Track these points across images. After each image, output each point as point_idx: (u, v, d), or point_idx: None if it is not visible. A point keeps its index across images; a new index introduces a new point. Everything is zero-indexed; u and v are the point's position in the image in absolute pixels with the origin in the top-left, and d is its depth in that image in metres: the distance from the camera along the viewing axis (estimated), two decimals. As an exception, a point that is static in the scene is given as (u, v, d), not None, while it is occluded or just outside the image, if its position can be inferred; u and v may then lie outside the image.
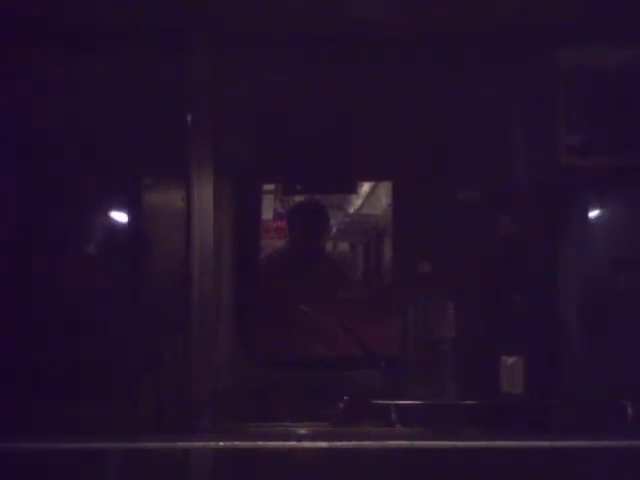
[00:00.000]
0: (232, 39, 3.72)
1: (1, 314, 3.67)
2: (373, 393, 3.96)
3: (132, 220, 4.02)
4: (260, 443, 3.32)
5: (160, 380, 3.81)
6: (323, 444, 3.34)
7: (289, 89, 4.06)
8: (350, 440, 3.38)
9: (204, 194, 3.74)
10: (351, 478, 3.34)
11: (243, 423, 3.76)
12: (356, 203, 6.84)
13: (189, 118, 3.74)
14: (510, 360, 3.83)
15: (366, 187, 6.34)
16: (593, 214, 3.96)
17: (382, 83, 4.04)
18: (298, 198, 5.34)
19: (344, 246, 6.83)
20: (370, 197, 6.41)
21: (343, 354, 4.35)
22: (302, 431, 3.68)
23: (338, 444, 3.33)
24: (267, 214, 5.77)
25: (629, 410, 3.60)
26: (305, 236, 4.83)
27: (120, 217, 4.06)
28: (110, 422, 3.63)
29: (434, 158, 4.23)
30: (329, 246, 5.41)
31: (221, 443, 3.38)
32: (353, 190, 5.85)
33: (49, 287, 3.87)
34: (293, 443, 3.35)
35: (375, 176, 5.37)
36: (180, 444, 3.40)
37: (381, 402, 3.78)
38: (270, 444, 3.31)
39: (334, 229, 5.73)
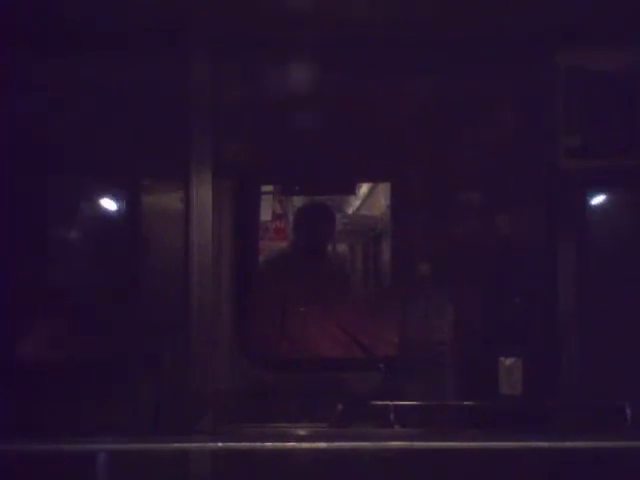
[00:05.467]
0: (232, 40, 3.72)
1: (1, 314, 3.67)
2: (372, 394, 3.95)
3: (131, 221, 4.02)
4: (259, 444, 3.32)
5: (160, 380, 3.81)
6: (322, 445, 3.33)
7: (288, 90, 4.05)
8: (349, 441, 3.38)
9: (203, 195, 3.74)
10: (350, 479, 3.34)
11: (242, 424, 3.76)
12: (355, 204, 6.84)
13: (189, 118, 3.74)
14: (509, 361, 3.83)
15: (365, 188, 6.35)
16: (593, 214, 3.97)
17: (382, 84, 4.05)
18: (297, 199, 5.35)
19: (343, 247, 6.83)
20: (369, 198, 6.41)
21: (342, 355, 4.35)
22: (301, 432, 3.68)
23: (337, 445, 3.33)
24: (265, 215, 5.76)
25: (628, 410, 3.61)
26: (311, 237, 4.83)
27: (120, 218, 4.05)
28: (110, 422, 3.62)
29: (433, 159, 4.23)
30: (328, 247, 5.41)
31: (220, 444, 3.38)
32: (352, 191, 5.84)
33: (49, 287, 3.87)
34: (292, 444, 3.34)
35: (374, 177, 5.37)
36: (180, 445, 3.40)
37: (380, 403, 3.78)
38: (269, 445, 3.31)
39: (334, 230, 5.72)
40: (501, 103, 4.00)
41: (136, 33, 3.62)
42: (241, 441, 3.37)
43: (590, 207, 3.97)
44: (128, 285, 3.90)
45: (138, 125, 3.85)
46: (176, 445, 3.38)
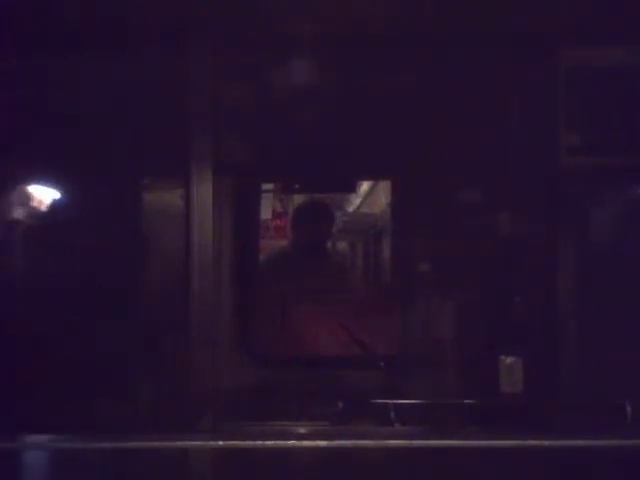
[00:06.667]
0: (232, 38, 3.72)
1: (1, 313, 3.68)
2: (372, 392, 3.96)
3: (131, 219, 4.02)
4: (259, 442, 3.32)
5: (160, 380, 3.81)
6: (322, 443, 3.33)
7: (288, 88, 4.06)
8: (349, 439, 3.38)
9: (204, 193, 3.74)
10: (350, 477, 3.33)
11: (243, 422, 3.77)
12: (355, 202, 6.83)
13: (189, 116, 3.74)
14: (509, 360, 3.84)
15: (365, 186, 6.33)
16: (593, 214, 3.96)
17: (382, 82, 4.04)
18: (297, 197, 5.35)
19: (343, 245, 6.82)
20: (369, 196, 6.40)
21: (343, 353, 4.35)
22: (301, 430, 3.68)
23: (337, 443, 3.33)
24: (265, 213, 5.75)
25: (629, 409, 3.61)
26: (308, 235, 4.83)
27: (119, 216, 4.05)
28: (110, 422, 3.63)
29: (433, 157, 4.23)
30: (328, 245, 5.40)
31: (220, 442, 3.38)
32: (352, 189, 5.84)
33: (48, 286, 3.86)
34: (292, 442, 3.35)
35: (374, 175, 5.37)
36: (179, 444, 3.40)
37: (380, 401, 3.78)
38: (269, 443, 3.31)
39: (333, 228, 5.71)
40: (502, 102, 4.00)
41: (136, 33, 3.62)
42: (241, 439, 3.37)
43: (591, 206, 3.96)
44: (127, 284, 3.89)
45: (138, 124, 3.85)
46: (176, 443, 3.38)
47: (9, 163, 3.81)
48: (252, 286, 4.43)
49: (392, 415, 3.72)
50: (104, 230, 4.02)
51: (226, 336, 4.05)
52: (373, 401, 3.82)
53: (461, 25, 3.69)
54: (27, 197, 3.96)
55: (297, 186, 5.11)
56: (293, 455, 3.34)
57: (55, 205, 3.96)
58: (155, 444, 3.32)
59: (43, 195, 3.98)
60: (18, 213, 3.90)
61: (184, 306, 3.66)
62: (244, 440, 3.37)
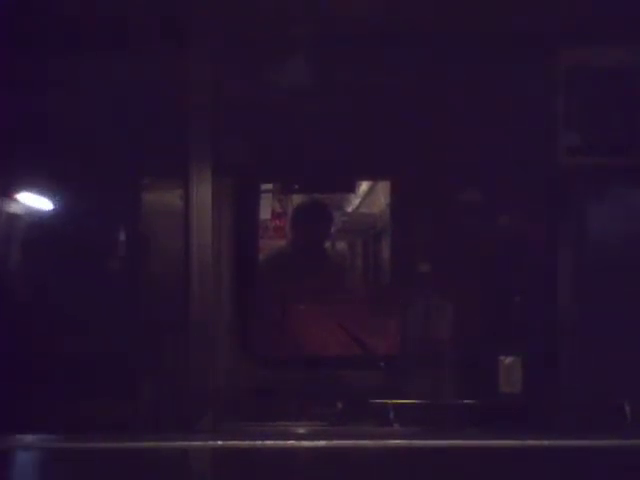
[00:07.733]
0: (232, 38, 3.72)
1: (1, 313, 3.67)
2: (372, 392, 3.96)
3: (131, 219, 4.02)
4: (259, 442, 3.32)
5: (160, 380, 3.81)
6: (322, 443, 3.33)
7: (288, 88, 4.05)
8: (348, 439, 3.38)
9: (203, 194, 3.74)
10: (349, 477, 3.33)
11: (242, 423, 3.77)
12: (354, 202, 6.83)
13: (189, 116, 3.74)
14: (508, 360, 3.84)
15: (364, 186, 6.34)
16: (593, 214, 3.97)
17: (381, 82, 4.05)
18: (296, 197, 5.35)
19: (342, 245, 6.83)
20: (368, 196, 6.41)
21: (342, 353, 4.35)
22: (301, 430, 3.68)
23: (337, 443, 3.33)
24: (265, 213, 5.76)
25: (628, 409, 3.61)
26: (308, 236, 4.84)
27: (119, 216, 4.06)
28: (110, 421, 3.63)
29: (433, 157, 4.23)
30: (327, 245, 5.41)
31: (220, 442, 3.38)
32: (351, 189, 5.85)
33: (48, 286, 3.86)
34: (292, 442, 3.35)
35: (373, 175, 5.37)
36: (180, 443, 3.40)
37: (379, 401, 3.78)
38: (269, 443, 3.31)
39: (332, 228, 5.72)
40: (502, 102, 4.00)
41: (136, 33, 3.62)
42: (241, 439, 3.38)
43: (590, 206, 3.97)
44: (127, 284, 3.90)
45: (138, 124, 3.85)
46: (176, 443, 3.38)
47: (8, 163, 3.80)
48: (252, 286, 4.43)
49: (391, 415, 3.72)
50: (104, 230, 4.03)
51: (226, 336, 4.05)
52: (372, 401, 3.81)
53: (461, 25, 3.69)
54: (26, 198, 3.96)
55: (296, 186, 5.11)
56: (293, 455, 3.35)
57: (56, 205, 3.96)
58: (155, 444, 3.32)
59: (41, 195, 3.99)
60: (17, 213, 3.90)
61: (184, 306, 3.66)
62: (244, 440, 3.37)
